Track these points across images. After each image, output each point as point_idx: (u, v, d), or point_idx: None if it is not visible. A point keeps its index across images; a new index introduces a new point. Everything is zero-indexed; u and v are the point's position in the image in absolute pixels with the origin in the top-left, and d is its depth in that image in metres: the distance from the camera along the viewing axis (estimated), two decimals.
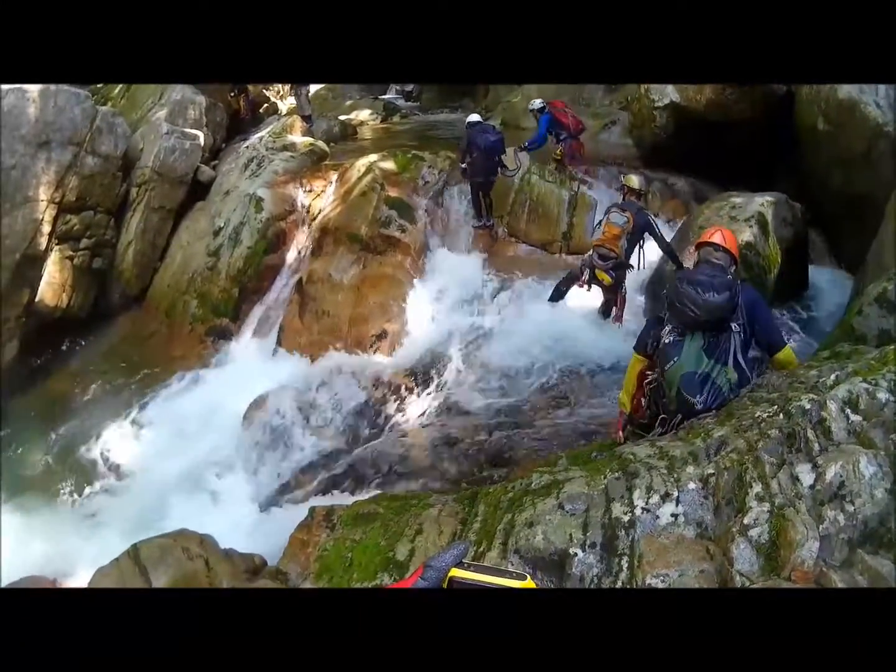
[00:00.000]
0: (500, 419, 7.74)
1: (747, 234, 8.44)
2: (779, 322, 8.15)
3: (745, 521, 3.15)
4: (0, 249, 10.14)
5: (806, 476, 3.18)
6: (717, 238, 4.87)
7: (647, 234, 8.38)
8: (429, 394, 8.66)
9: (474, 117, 11.56)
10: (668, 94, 12.13)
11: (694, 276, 4.61)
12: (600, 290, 8.82)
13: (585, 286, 8.73)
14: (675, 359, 4.48)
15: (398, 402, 8.65)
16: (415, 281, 10.44)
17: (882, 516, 2.90)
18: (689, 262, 8.29)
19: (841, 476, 3.03)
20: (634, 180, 8.74)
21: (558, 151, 12.24)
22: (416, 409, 8.52)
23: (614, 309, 8.87)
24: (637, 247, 8.43)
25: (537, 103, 12.44)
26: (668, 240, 8.79)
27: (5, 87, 10.46)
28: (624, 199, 8.67)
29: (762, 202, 8.98)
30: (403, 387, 8.79)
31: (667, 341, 4.56)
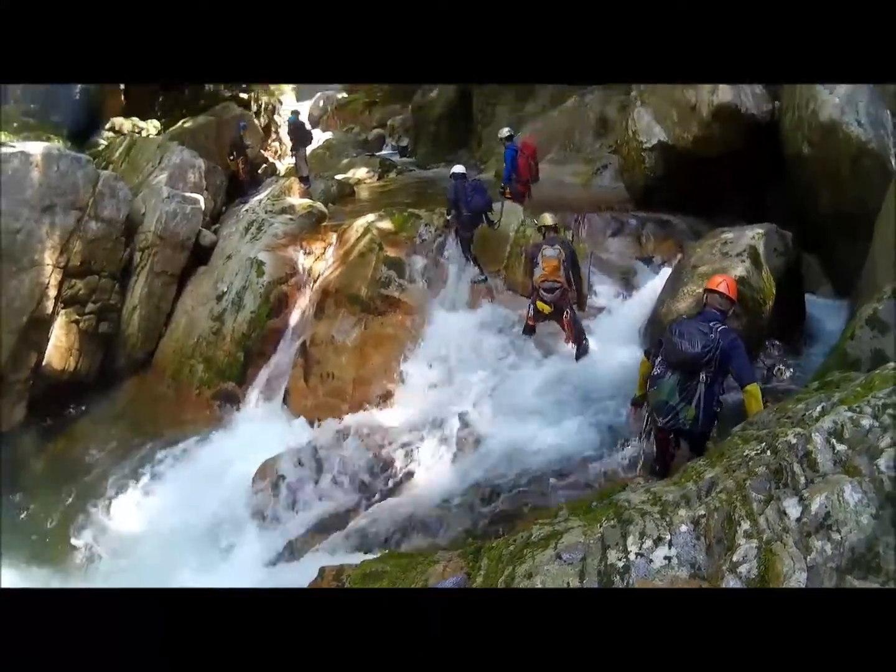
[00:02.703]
0: (504, 474, 7.74)
1: (740, 269, 8.45)
2: (776, 357, 8.28)
3: (735, 558, 3.18)
4: (7, 312, 10.24)
5: (792, 509, 3.21)
6: (722, 287, 5.81)
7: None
8: (434, 452, 8.65)
9: (459, 168, 11.71)
10: (655, 134, 12.29)
11: (683, 326, 5.61)
12: (547, 319, 9.41)
13: (532, 321, 9.48)
14: (655, 387, 5.62)
15: (404, 460, 8.63)
16: (416, 340, 10.48)
17: (869, 541, 2.92)
18: (684, 302, 8.43)
19: (826, 506, 3.06)
20: (547, 218, 9.60)
21: (507, 192, 12.66)
22: (422, 467, 8.50)
23: (564, 331, 9.42)
24: (570, 270, 9.12)
25: (505, 132, 12.98)
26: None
27: (8, 150, 10.70)
28: (544, 237, 9.45)
29: (752, 235, 9.02)
30: (409, 446, 8.78)
31: (655, 373, 5.68)
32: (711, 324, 5.51)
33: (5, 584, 7.83)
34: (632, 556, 3.61)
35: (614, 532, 3.88)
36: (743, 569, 3.10)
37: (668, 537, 3.59)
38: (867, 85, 9.75)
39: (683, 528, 3.60)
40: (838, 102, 9.45)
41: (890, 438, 3.21)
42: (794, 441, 3.55)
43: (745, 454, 3.83)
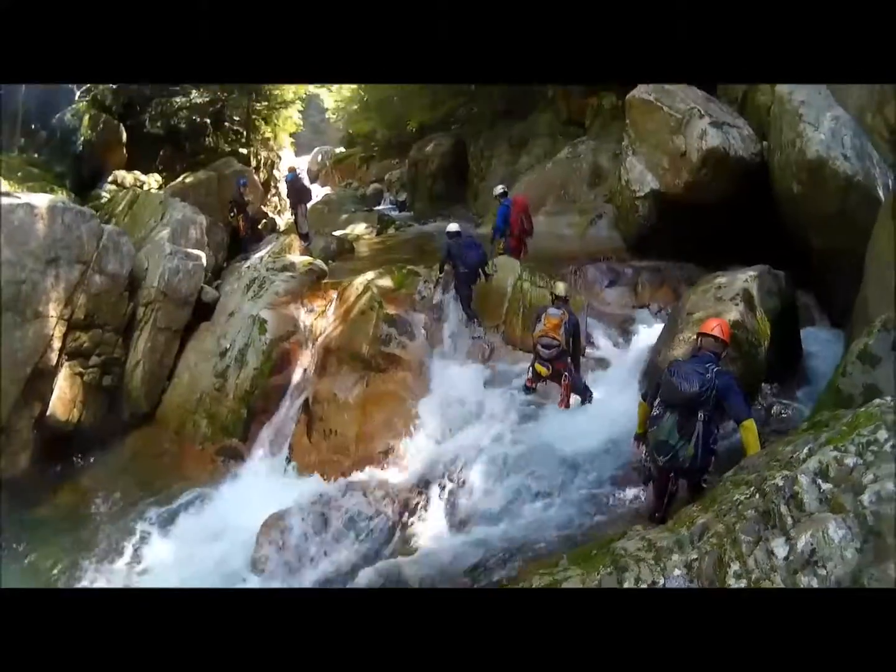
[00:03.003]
0: (506, 527, 7.80)
1: (734, 314, 8.53)
2: (771, 399, 8.34)
3: None
4: (11, 363, 10.31)
5: (780, 549, 3.28)
6: (716, 331, 6.13)
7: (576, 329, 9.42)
8: (437, 507, 8.68)
9: (453, 227, 12.00)
10: (647, 182, 12.52)
11: (681, 367, 5.89)
12: (546, 381, 9.53)
13: (530, 384, 9.62)
14: (655, 427, 5.85)
15: (409, 516, 8.65)
16: (418, 396, 10.57)
17: (854, 575, 2.98)
18: (680, 349, 8.51)
19: (811, 543, 3.14)
20: (560, 287, 9.74)
21: (501, 246, 13.10)
22: (427, 522, 8.52)
23: (560, 394, 9.50)
24: (570, 338, 9.24)
25: (499, 189, 13.53)
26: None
27: (13, 201, 10.81)
28: (554, 304, 9.54)
29: (745, 278, 9.14)
30: (413, 501, 8.82)
31: (654, 413, 5.94)
32: (707, 365, 5.77)
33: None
34: None
35: (611, 579, 3.96)
36: None
37: (662, 581, 3.66)
38: (850, 117, 9.97)
39: (677, 571, 3.68)
40: (824, 139, 9.65)
41: (873, 475, 3.28)
42: (781, 483, 3.63)
43: (735, 499, 3.92)
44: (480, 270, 11.49)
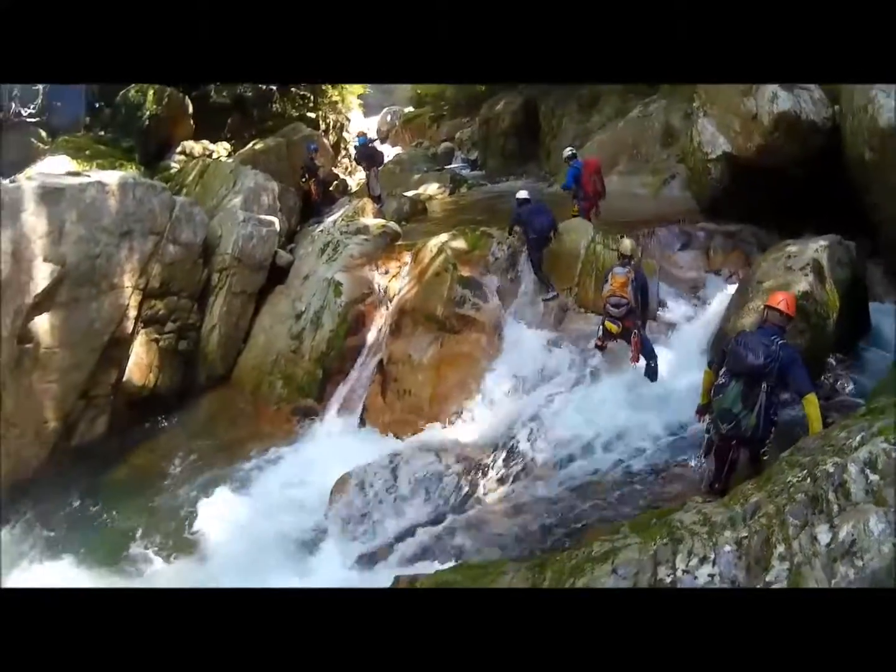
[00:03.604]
0: (573, 490, 8.10)
1: (803, 284, 8.55)
2: (838, 371, 8.38)
3: (768, 578, 3.50)
4: (88, 332, 10.70)
5: (823, 535, 3.50)
6: (782, 306, 6.28)
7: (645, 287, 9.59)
8: (507, 468, 8.99)
9: (522, 194, 12.15)
10: (719, 145, 12.34)
11: (748, 338, 6.10)
12: (616, 339, 9.62)
13: (601, 342, 9.74)
14: (721, 395, 6.06)
15: (478, 476, 8.96)
16: (491, 358, 10.81)
17: (889, 569, 3.19)
18: (749, 318, 8.57)
19: (852, 534, 3.35)
20: (626, 245, 9.70)
21: (575, 209, 13.13)
22: (496, 482, 8.86)
23: (630, 351, 9.57)
24: (639, 295, 9.36)
25: (567, 152, 13.46)
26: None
27: (84, 180, 11.12)
28: (620, 262, 9.61)
29: (816, 248, 9.09)
30: (483, 461, 9.11)
31: (720, 382, 6.17)
32: (773, 338, 5.99)
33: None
34: (679, 573, 3.96)
35: (666, 550, 4.24)
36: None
37: (713, 556, 3.94)
38: None
39: (727, 547, 3.93)
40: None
41: None
42: (831, 470, 3.84)
43: (787, 480, 4.13)
44: (552, 234, 11.64)
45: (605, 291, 9.39)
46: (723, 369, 6.23)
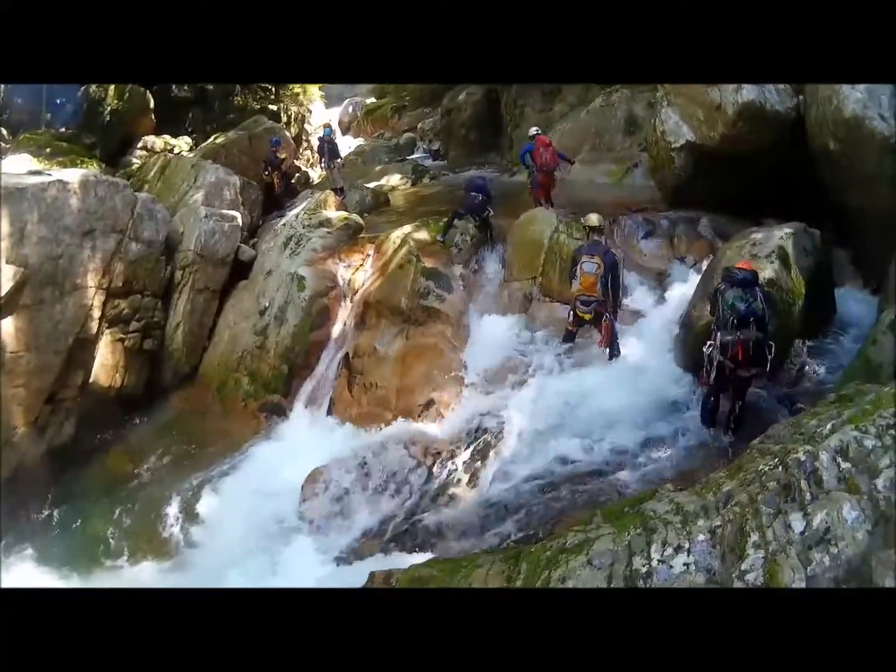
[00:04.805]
0: (544, 479, 8.06)
1: (769, 271, 8.63)
2: (804, 357, 8.51)
3: (743, 566, 3.51)
4: (53, 335, 10.52)
5: (797, 523, 3.52)
6: (745, 265, 7.73)
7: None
8: (477, 459, 8.94)
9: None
10: (683, 134, 12.37)
11: (732, 268, 7.64)
12: (588, 326, 9.78)
13: (572, 327, 9.79)
14: (729, 291, 7.30)
15: (448, 468, 8.93)
16: (457, 349, 10.80)
17: (864, 555, 3.22)
18: None
19: (826, 522, 3.37)
20: (593, 218, 9.91)
21: (529, 181, 13.75)
22: (466, 473, 8.80)
23: (600, 337, 9.68)
24: (608, 285, 9.38)
25: (532, 130, 13.90)
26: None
27: (45, 179, 10.90)
28: (588, 237, 9.82)
29: (781, 235, 9.17)
30: (452, 453, 9.09)
31: (723, 287, 7.46)
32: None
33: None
34: (654, 563, 3.96)
35: (640, 540, 4.23)
36: (750, 577, 3.43)
37: (688, 545, 3.94)
38: None
39: (701, 537, 3.94)
40: (860, 97, 9.45)
41: (889, 459, 3.49)
42: (803, 458, 3.85)
43: (759, 469, 4.15)
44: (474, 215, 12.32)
45: (574, 289, 9.38)
46: (722, 286, 7.50)
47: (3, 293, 9.78)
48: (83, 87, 20.20)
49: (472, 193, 12.43)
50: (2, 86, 17.87)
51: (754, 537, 3.62)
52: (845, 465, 3.66)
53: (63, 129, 19.83)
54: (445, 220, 12.82)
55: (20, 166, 15.38)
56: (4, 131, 18.71)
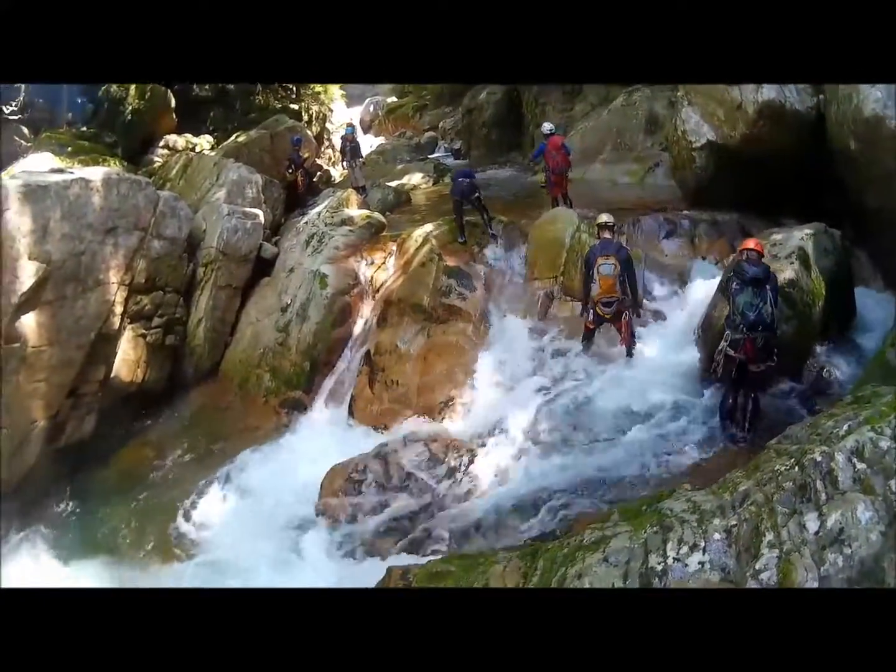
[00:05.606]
0: (563, 478, 8.14)
1: (789, 272, 8.64)
2: (823, 358, 8.50)
3: (758, 565, 3.56)
4: (75, 330, 10.67)
5: (812, 523, 3.56)
6: (752, 245, 7.85)
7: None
8: (496, 457, 9.02)
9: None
10: (703, 133, 12.35)
11: (743, 264, 7.66)
12: (607, 324, 9.78)
13: (592, 325, 9.80)
14: (740, 295, 7.50)
15: (468, 465, 8.99)
16: (478, 347, 10.86)
17: (877, 556, 3.26)
18: None
19: (840, 522, 3.41)
20: (603, 217, 9.81)
21: (542, 180, 13.97)
22: (485, 471, 8.87)
23: (620, 337, 9.74)
24: (626, 283, 9.46)
25: (546, 128, 13.83)
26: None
27: (68, 177, 11.04)
28: (599, 236, 9.73)
29: (801, 236, 9.18)
30: (472, 451, 9.16)
31: (735, 287, 7.60)
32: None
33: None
34: (670, 561, 4.01)
35: (656, 538, 4.28)
36: (764, 576, 3.48)
37: (703, 544, 3.99)
38: None
39: (717, 535, 3.99)
40: (881, 97, 9.41)
41: None
42: (819, 459, 3.89)
43: (775, 469, 4.19)
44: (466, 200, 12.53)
45: (595, 293, 9.34)
46: (733, 283, 7.64)
47: (25, 289, 9.94)
48: (104, 87, 20.39)
49: (459, 179, 12.69)
50: (23, 85, 18.07)
51: (769, 537, 3.66)
52: (861, 466, 3.70)
53: (84, 129, 19.98)
54: (452, 218, 12.96)
55: (42, 164, 15.58)
56: (26, 130, 18.91)
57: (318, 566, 8.06)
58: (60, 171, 12.10)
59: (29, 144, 18.43)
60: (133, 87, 20.14)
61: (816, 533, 3.50)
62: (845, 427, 4.11)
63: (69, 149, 18.41)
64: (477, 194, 12.64)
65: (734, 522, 3.98)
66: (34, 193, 10.32)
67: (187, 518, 9.82)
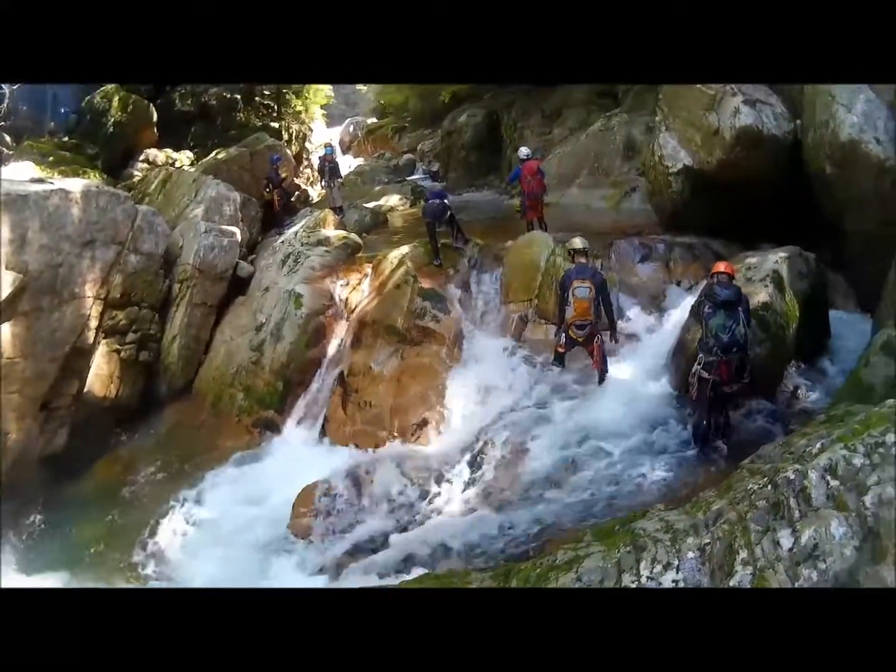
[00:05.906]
0: (535, 499, 8.09)
1: (763, 295, 8.67)
2: (797, 380, 8.52)
3: (732, 583, 3.50)
4: (49, 343, 10.59)
5: (785, 540, 3.53)
6: (723, 268, 7.86)
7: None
8: (469, 478, 8.98)
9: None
10: (680, 158, 12.43)
11: (714, 287, 7.64)
12: (579, 347, 9.66)
13: (563, 349, 9.66)
14: (713, 318, 7.50)
15: (441, 486, 8.96)
16: (452, 369, 10.83)
17: (851, 571, 3.22)
18: None
19: (815, 538, 3.38)
20: (577, 242, 9.78)
21: (517, 205, 14.11)
22: (458, 492, 8.83)
23: (592, 360, 9.68)
24: (601, 302, 9.39)
25: (522, 152, 13.98)
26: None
27: (48, 187, 10.98)
28: (573, 260, 9.70)
29: (776, 259, 9.24)
30: (445, 472, 9.12)
31: (707, 311, 7.60)
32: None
33: None
34: (643, 580, 3.95)
35: (629, 557, 4.23)
36: None
37: (677, 563, 3.94)
38: (885, 100, 9.85)
39: (690, 554, 3.94)
40: (856, 121, 9.55)
41: (877, 477, 3.50)
42: (792, 476, 3.87)
43: (748, 488, 4.17)
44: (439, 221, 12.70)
45: (569, 316, 9.29)
46: (705, 306, 7.65)
47: (1, 299, 9.82)
48: (87, 98, 20.34)
49: (430, 201, 12.92)
50: (6, 92, 17.95)
51: (743, 554, 3.63)
52: (834, 483, 3.68)
53: (66, 139, 19.93)
54: (427, 240, 12.95)
55: (23, 173, 15.47)
56: (8, 137, 18.79)
57: (289, 586, 7.90)
58: (41, 181, 12.08)
59: (10, 152, 18.27)
60: (116, 98, 20.21)
61: (790, 549, 3.47)
62: (818, 445, 4.10)
63: (50, 158, 18.35)
64: (449, 213, 12.76)
65: (707, 541, 3.94)
66: (14, 203, 10.29)
67: (159, 537, 9.65)
